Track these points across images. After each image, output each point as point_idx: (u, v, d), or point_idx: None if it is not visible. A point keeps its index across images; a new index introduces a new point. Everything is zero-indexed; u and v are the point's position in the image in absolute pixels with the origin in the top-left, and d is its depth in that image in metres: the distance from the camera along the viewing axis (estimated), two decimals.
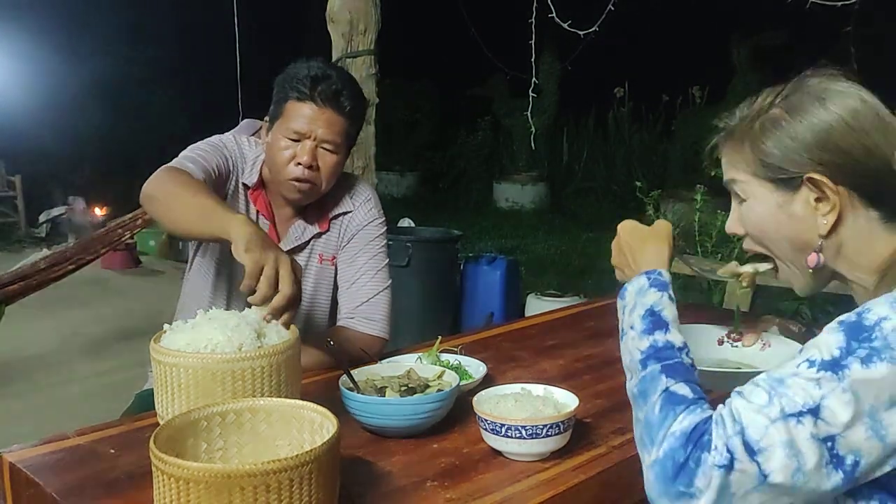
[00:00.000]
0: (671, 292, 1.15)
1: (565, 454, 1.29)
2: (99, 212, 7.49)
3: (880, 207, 1.06)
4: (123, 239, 4.24)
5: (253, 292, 1.34)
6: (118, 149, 8.88)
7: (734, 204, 1.18)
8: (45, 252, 4.52)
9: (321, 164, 1.77)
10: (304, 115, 1.74)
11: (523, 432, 1.24)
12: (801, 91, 1.09)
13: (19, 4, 7.81)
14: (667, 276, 1.18)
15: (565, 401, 1.35)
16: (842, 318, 0.96)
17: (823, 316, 3.12)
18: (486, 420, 1.27)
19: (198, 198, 1.51)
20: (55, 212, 7.80)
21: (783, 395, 0.92)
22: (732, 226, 1.20)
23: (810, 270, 1.12)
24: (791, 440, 0.90)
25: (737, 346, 1.65)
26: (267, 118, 1.83)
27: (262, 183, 1.85)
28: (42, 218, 7.95)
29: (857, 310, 0.96)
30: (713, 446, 0.92)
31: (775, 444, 0.90)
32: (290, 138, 1.75)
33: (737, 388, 0.97)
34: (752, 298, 3.04)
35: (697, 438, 0.93)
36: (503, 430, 1.25)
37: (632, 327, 1.12)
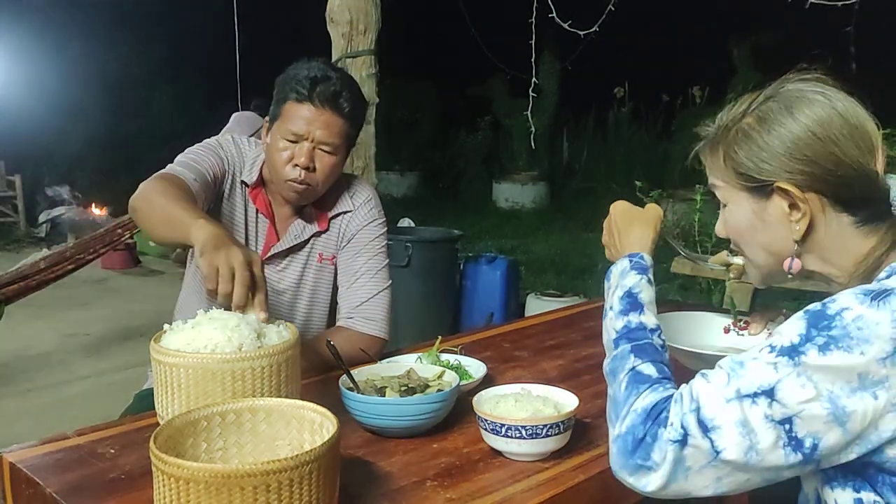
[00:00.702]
0: (650, 276, 1.21)
1: (565, 454, 1.29)
2: (99, 212, 7.49)
3: (853, 212, 1.07)
4: (123, 239, 4.24)
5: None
6: (118, 149, 8.89)
7: (721, 207, 1.20)
8: (45, 252, 4.51)
9: (318, 165, 1.76)
10: (302, 117, 1.73)
11: (523, 432, 1.24)
12: (774, 99, 1.10)
13: (19, 4, 7.81)
14: (648, 260, 1.24)
15: (565, 401, 1.35)
16: (809, 306, 0.98)
17: None
18: (486, 420, 1.27)
19: (170, 205, 1.52)
20: (55, 212, 7.79)
21: (741, 377, 0.95)
22: (719, 228, 1.23)
23: (790, 276, 1.14)
24: (744, 419, 0.93)
25: (743, 335, 1.66)
26: (267, 118, 1.83)
27: (261, 182, 1.85)
28: (42, 218, 7.94)
29: (824, 300, 0.98)
30: (669, 423, 0.96)
31: (728, 423, 0.93)
32: (288, 139, 1.74)
33: (702, 370, 1.00)
34: (752, 298, 3.04)
35: (656, 416, 0.98)
36: (503, 430, 1.25)
37: (611, 307, 1.18)
